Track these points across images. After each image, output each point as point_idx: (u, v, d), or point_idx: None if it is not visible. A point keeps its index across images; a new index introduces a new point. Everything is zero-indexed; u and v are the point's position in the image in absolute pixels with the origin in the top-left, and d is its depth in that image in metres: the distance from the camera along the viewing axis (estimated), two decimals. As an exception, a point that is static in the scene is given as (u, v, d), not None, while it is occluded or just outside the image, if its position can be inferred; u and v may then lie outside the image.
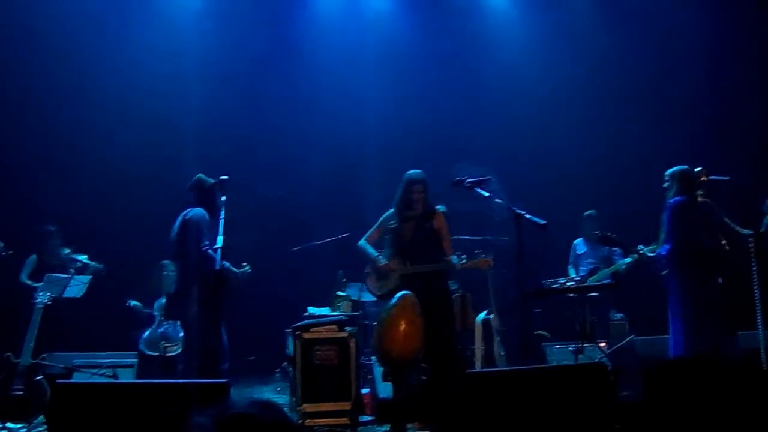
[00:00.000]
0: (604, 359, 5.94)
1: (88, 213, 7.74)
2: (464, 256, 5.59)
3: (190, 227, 5.45)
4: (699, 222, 5.50)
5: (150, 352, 6.79)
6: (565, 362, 6.06)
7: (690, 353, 5.26)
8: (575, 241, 7.73)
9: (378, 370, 5.43)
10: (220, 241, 5.22)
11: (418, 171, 5.53)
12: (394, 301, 4.38)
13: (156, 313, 7.13)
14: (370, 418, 5.46)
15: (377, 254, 5.56)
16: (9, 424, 5.32)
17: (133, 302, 7.22)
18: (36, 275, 6.66)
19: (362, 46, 9.04)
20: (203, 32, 8.68)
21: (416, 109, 8.88)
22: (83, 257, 6.77)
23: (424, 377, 4.94)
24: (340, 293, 6.73)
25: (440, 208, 5.55)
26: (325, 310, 6.41)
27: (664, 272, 5.66)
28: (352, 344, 5.35)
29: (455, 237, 5.91)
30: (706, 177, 5.76)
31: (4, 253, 6.08)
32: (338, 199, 8.56)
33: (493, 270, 5.87)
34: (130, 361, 6.18)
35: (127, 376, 5.86)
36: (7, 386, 5.29)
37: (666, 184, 5.68)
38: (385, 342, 4.26)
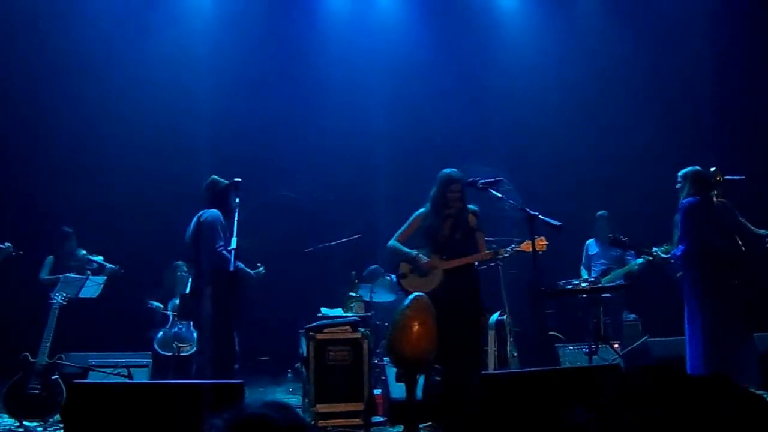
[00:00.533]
0: (618, 360, 5.91)
1: (104, 214, 7.82)
2: (517, 239, 5.44)
3: (205, 228, 5.47)
4: (713, 223, 5.42)
5: (164, 353, 6.85)
6: (579, 364, 6.05)
7: (708, 362, 5.18)
8: (587, 242, 7.69)
9: (391, 371, 5.42)
10: (234, 242, 5.24)
11: (455, 170, 5.35)
12: (407, 302, 4.37)
13: (170, 314, 7.19)
14: (382, 419, 5.45)
15: (416, 252, 5.33)
16: (26, 423, 5.40)
17: (155, 303, 7.28)
18: (53, 276, 6.74)
19: (373, 50, 9.05)
20: (216, 37, 8.74)
21: (427, 112, 8.87)
22: (99, 258, 6.85)
23: (438, 378, 4.94)
24: (352, 294, 6.75)
25: (473, 207, 5.45)
26: (337, 311, 6.41)
27: (680, 274, 5.61)
28: (365, 345, 5.35)
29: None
30: (721, 177, 5.71)
31: (14, 254, 6.13)
32: (350, 200, 8.59)
33: (506, 270, 5.84)
34: (144, 361, 6.25)
35: (141, 377, 5.91)
36: (24, 385, 5.36)
37: (678, 185, 5.61)
38: (399, 343, 4.27)
